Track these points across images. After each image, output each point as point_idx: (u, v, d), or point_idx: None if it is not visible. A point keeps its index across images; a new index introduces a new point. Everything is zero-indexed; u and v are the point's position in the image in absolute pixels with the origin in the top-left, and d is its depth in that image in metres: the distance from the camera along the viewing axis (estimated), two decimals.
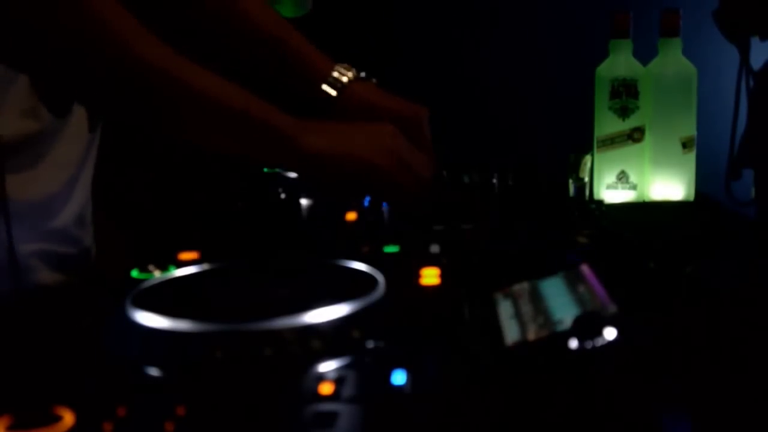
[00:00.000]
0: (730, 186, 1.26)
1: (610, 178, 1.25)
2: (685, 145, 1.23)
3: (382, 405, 0.46)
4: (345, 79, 0.91)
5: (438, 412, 0.45)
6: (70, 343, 0.58)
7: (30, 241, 0.86)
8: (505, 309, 0.59)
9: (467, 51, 1.86)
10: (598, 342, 0.49)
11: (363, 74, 0.94)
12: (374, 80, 0.95)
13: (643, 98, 1.23)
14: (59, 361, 0.55)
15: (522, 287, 0.62)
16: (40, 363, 0.55)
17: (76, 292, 0.83)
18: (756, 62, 1.22)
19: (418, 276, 0.69)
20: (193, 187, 1.46)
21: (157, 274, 0.72)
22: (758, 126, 1.22)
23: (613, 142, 1.24)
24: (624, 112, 1.24)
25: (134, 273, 0.72)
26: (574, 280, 0.61)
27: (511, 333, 0.55)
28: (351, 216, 0.95)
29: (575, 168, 1.07)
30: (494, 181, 1.05)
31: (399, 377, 0.48)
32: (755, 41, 1.21)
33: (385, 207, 0.96)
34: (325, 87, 0.91)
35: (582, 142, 1.21)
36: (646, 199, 1.25)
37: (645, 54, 1.25)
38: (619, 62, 1.24)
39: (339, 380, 0.49)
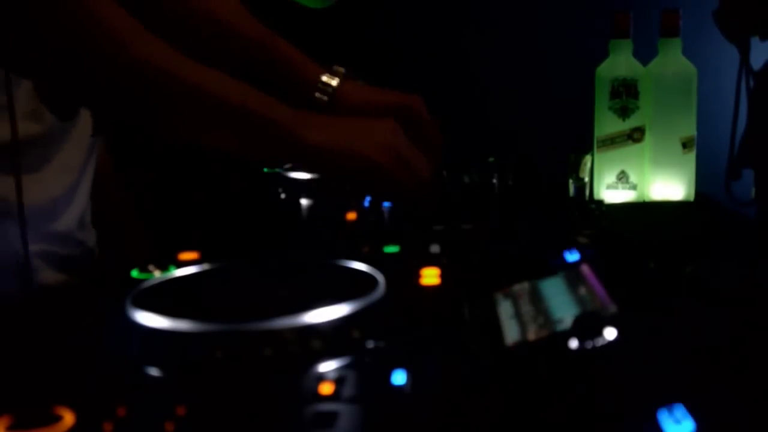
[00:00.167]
0: (730, 186, 1.26)
1: (610, 178, 1.25)
2: (685, 145, 1.23)
3: (382, 405, 0.46)
4: (335, 83, 0.90)
5: (438, 412, 0.45)
6: (70, 343, 0.58)
7: (33, 243, 0.86)
8: (505, 309, 0.59)
9: (467, 51, 1.86)
10: (598, 342, 0.49)
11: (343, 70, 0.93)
12: (360, 82, 0.94)
13: (643, 98, 1.23)
14: (59, 361, 0.55)
15: (522, 287, 0.62)
16: (40, 363, 0.55)
17: (78, 293, 0.83)
18: (756, 62, 1.22)
19: (418, 276, 0.69)
20: (193, 187, 1.46)
21: (157, 274, 0.72)
22: (758, 126, 1.22)
23: (613, 142, 1.24)
24: (624, 112, 1.24)
25: (134, 273, 0.73)
26: (574, 280, 0.61)
27: (511, 333, 0.55)
28: (351, 216, 0.95)
29: (575, 168, 1.07)
30: (494, 181, 1.05)
31: (399, 377, 0.48)
32: (755, 41, 1.21)
33: (385, 207, 0.96)
34: (317, 95, 0.90)
35: (582, 142, 1.21)
36: (646, 199, 1.25)
37: (645, 54, 1.25)
38: (619, 62, 1.24)
39: (339, 380, 0.49)
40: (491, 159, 1.06)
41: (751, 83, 1.23)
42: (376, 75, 0.99)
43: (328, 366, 0.51)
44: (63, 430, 0.44)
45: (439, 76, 1.79)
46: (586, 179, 1.08)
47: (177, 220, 1.35)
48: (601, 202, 1.16)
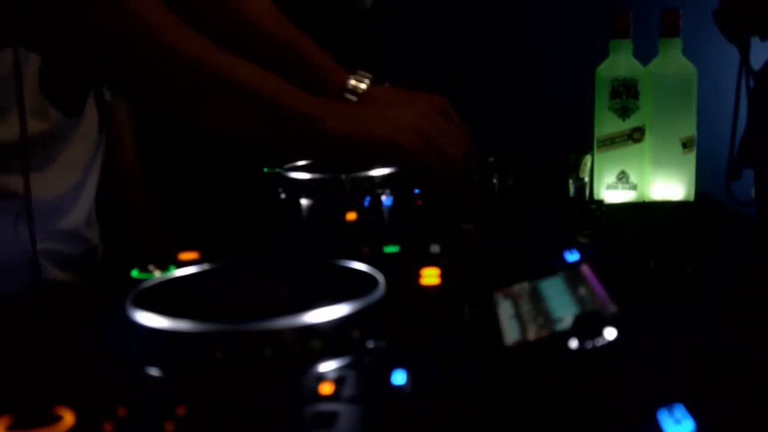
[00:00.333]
0: (730, 186, 1.26)
1: (610, 178, 1.25)
2: (685, 145, 1.23)
3: (382, 405, 0.46)
4: (363, 86, 0.92)
5: (438, 412, 0.45)
6: (70, 343, 0.58)
7: (39, 241, 0.86)
8: (505, 309, 0.59)
9: (467, 51, 1.86)
10: (598, 342, 0.49)
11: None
12: (386, 84, 0.96)
13: (643, 98, 1.23)
14: (59, 361, 0.55)
15: (522, 287, 0.62)
16: (40, 363, 0.55)
17: (79, 292, 0.83)
18: (756, 62, 1.22)
19: (418, 276, 0.69)
20: (193, 187, 1.46)
21: (157, 274, 0.72)
22: (758, 126, 1.22)
23: (613, 142, 1.24)
24: (624, 112, 1.24)
25: (134, 273, 0.73)
26: (574, 280, 0.61)
27: (511, 333, 0.55)
28: (351, 216, 0.95)
29: (575, 168, 1.07)
30: (494, 181, 1.05)
31: (399, 377, 0.48)
32: (755, 41, 1.21)
33: (385, 207, 0.96)
34: (346, 96, 0.92)
35: (582, 142, 1.21)
36: (646, 199, 1.25)
37: (645, 54, 1.25)
38: (619, 62, 1.24)
39: (339, 380, 0.49)
40: (491, 159, 1.06)
41: (751, 83, 1.23)
42: (375, 75, 0.99)
43: (328, 366, 0.51)
44: (63, 430, 0.44)
45: (439, 76, 1.79)
46: (586, 179, 1.08)
47: (177, 220, 1.35)
48: (601, 202, 1.15)
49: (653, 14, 1.24)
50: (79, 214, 0.94)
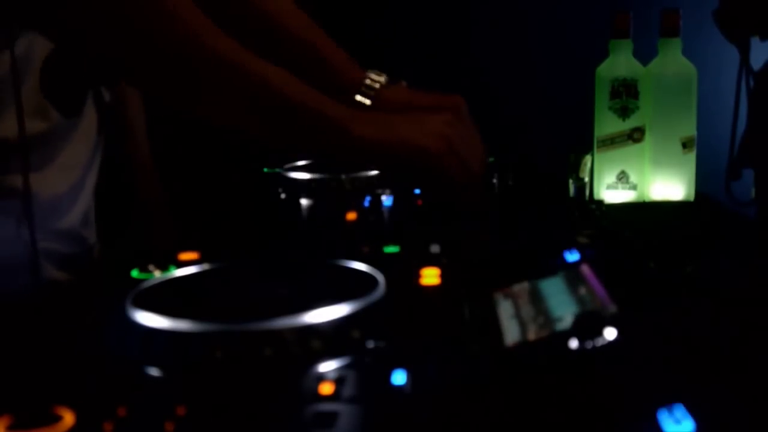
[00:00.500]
0: (730, 186, 1.25)
1: (610, 178, 1.25)
2: (685, 145, 1.23)
3: (382, 405, 0.46)
4: (377, 86, 0.93)
5: (438, 412, 0.45)
6: (70, 343, 0.58)
7: (38, 240, 0.86)
8: (505, 309, 0.59)
9: (467, 51, 1.86)
10: (598, 342, 0.49)
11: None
12: (403, 83, 0.96)
13: (643, 98, 1.23)
14: (59, 361, 0.55)
15: (522, 287, 0.62)
16: (40, 363, 0.55)
17: (78, 292, 0.83)
18: (756, 62, 1.22)
19: (418, 276, 0.69)
20: (194, 187, 1.46)
21: (157, 274, 0.72)
22: (758, 126, 1.22)
23: (613, 142, 1.24)
24: (624, 112, 1.24)
25: (134, 273, 0.73)
26: (574, 280, 0.61)
27: (511, 333, 0.55)
28: (351, 216, 0.95)
29: (575, 168, 1.07)
30: (494, 181, 1.05)
31: (399, 377, 0.48)
32: (755, 41, 1.21)
33: (385, 207, 0.96)
34: (359, 98, 0.92)
35: (582, 142, 1.21)
36: (646, 199, 1.25)
37: (645, 54, 1.25)
38: (619, 62, 1.24)
39: (339, 380, 0.49)
40: (491, 159, 1.06)
41: (751, 83, 1.23)
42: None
43: (328, 366, 0.51)
44: (63, 430, 0.44)
45: (438, 76, 1.79)
46: (586, 179, 1.08)
47: (177, 220, 1.35)
48: (601, 202, 1.15)
49: (653, 14, 1.24)
50: (77, 214, 0.94)
